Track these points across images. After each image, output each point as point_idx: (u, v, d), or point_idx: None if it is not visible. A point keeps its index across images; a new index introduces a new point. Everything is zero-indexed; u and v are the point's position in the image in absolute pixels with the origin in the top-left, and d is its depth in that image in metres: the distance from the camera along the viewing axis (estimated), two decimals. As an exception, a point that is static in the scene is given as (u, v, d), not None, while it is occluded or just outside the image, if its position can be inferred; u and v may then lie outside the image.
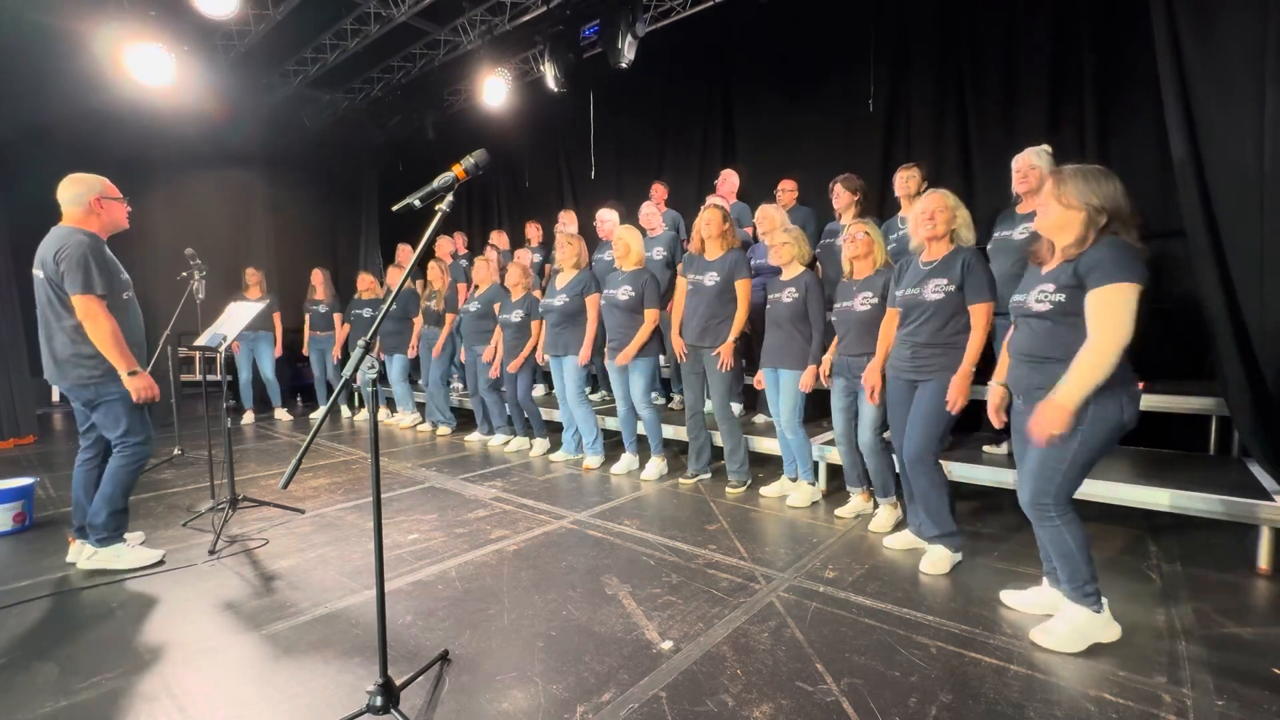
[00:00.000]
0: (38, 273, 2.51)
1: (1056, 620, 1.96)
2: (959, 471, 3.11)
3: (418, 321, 5.74)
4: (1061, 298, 1.82)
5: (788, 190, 4.60)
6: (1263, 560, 2.48)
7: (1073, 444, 1.83)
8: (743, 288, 3.49)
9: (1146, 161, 3.72)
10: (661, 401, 5.13)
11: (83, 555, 2.61)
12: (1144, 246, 1.76)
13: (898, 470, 2.80)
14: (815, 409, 3.76)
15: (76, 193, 2.52)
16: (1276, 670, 1.81)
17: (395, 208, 1.74)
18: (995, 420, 2.18)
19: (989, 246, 3.29)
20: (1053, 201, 1.84)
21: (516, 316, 4.55)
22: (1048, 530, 1.94)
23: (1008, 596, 2.22)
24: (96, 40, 5.28)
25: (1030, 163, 3.04)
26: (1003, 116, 4.36)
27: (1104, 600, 1.93)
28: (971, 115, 4.53)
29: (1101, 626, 1.92)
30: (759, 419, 4.33)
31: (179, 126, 7.13)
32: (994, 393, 2.18)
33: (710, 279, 3.53)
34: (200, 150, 7.61)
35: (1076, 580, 1.92)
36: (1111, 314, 1.70)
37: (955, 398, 2.40)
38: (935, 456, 2.51)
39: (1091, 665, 1.84)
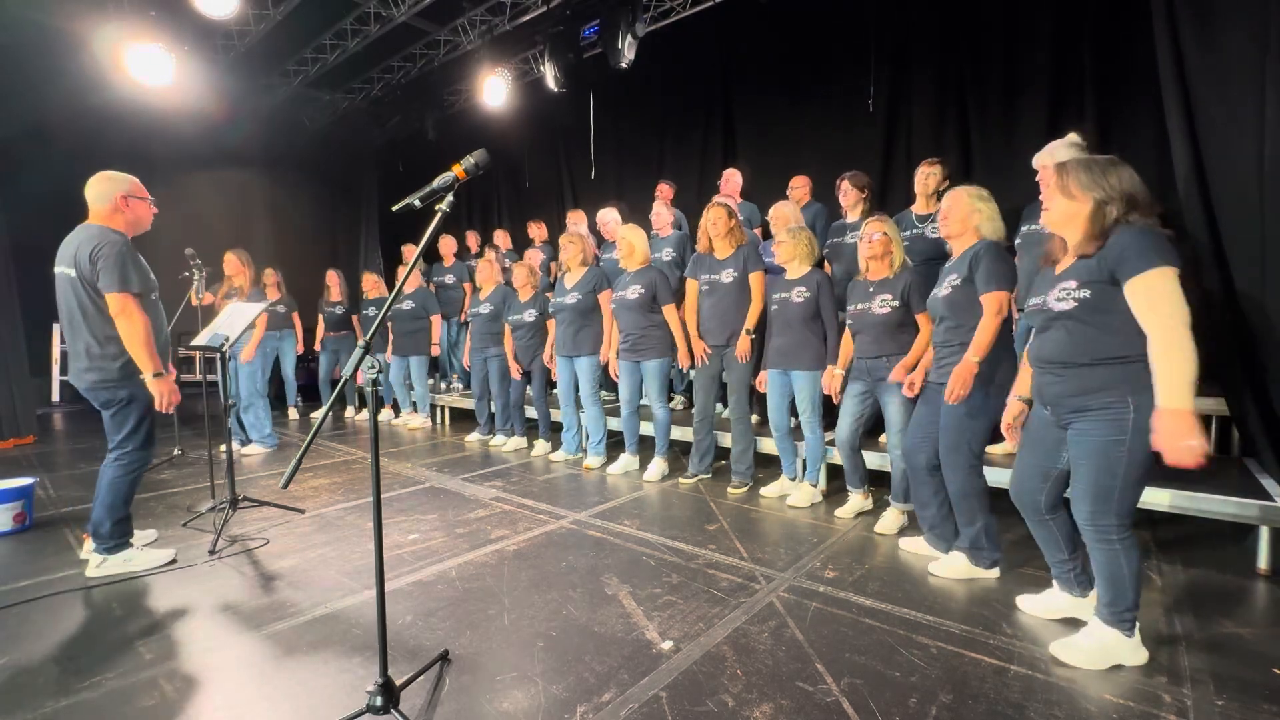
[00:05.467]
0: (67, 271, 2.49)
1: (1082, 635, 1.87)
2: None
3: (436, 320, 5.73)
4: (1087, 294, 1.70)
5: (798, 187, 4.56)
6: (1262, 561, 2.48)
7: (1123, 455, 1.70)
8: (756, 280, 3.49)
9: (1148, 162, 3.71)
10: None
11: (92, 564, 2.59)
12: (1171, 232, 1.66)
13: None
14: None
15: (102, 190, 2.54)
16: (1276, 670, 1.81)
17: (395, 208, 1.74)
18: (1009, 436, 2.12)
19: (1017, 241, 3.19)
20: (1057, 194, 1.78)
21: (530, 316, 4.54)
22: (1103, 552, 1.79)
23: (1023, 601, 2.17)
24: (96, 40, 5.28)
25: (1041, 162, 2.85)
26: (1003, 116, 4.37)
27: (1138, 625, 1.83)
28: (972, 115, 4.53)
29: (1130, 649, 1.82)
30: (753, 418, 4.32)
31: (179, 126, 7.14)
32: (1011, 407, 2.09)
33: (728, 275, 3.53)
34: (200, 150, 7.62)
35: (1118, 605, 1.80)
36: (1163, 298, 1.59)
37: (952, 387, 2.27)
38: (970, 461, 2.36)
39: (1092, 665, 1.84)
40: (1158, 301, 1.60)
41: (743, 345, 3.47)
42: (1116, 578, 1.80)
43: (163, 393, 2.53)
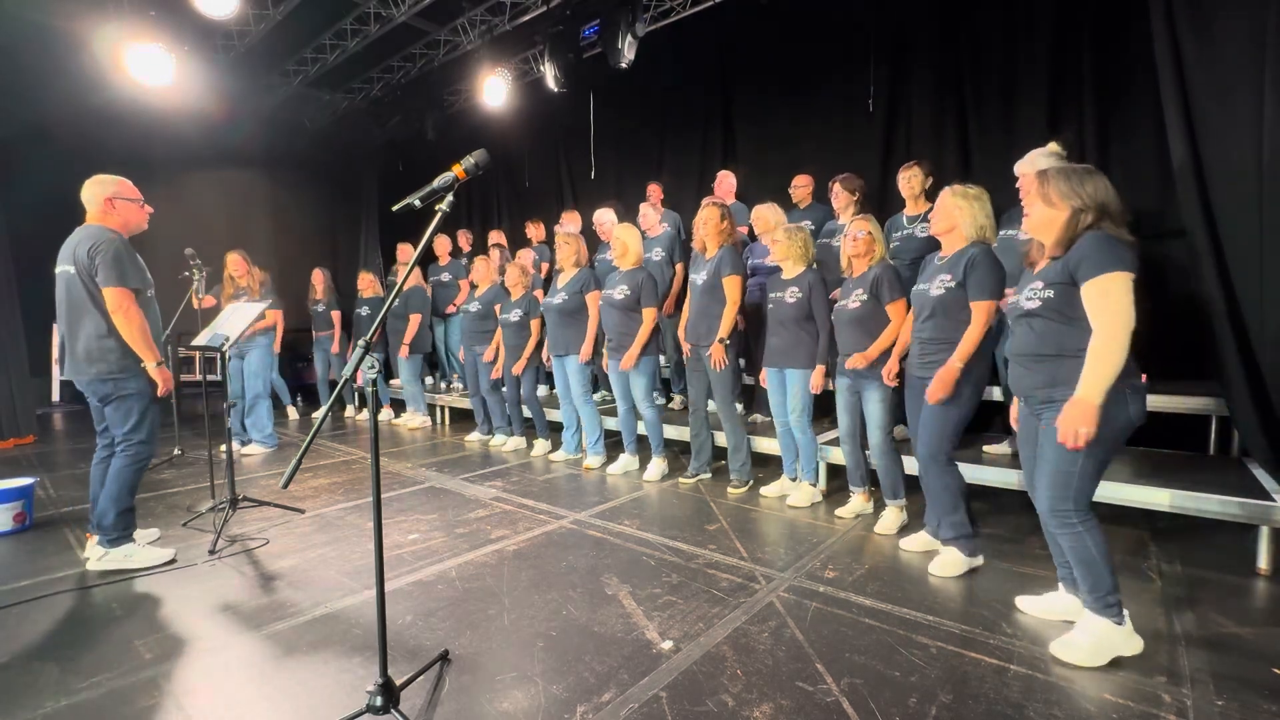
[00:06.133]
0: (67, 268, 2.56)
1: (1077, 633, 1.89)
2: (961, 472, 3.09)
3: (415, 319, 5.71)
4: (1051, 294, 1.83)
5: (801, 187, 4.53)
6: (1263, 560, 2.48)
7: (1081, 448, 1.79)
8: (730, 284, 3.44)
9: (1147, 161, 3.72)
10: (662, 402, 5.13)
11: (93, 556, 2.62)
12: (1134, 239, 1.77)
13: (913, 471, 2.78)
14: (816, 409, 3.75)
15: (92, 193, 2.63)
16: (1276, 670, 1.81)
17: (395, 208, 1.74)
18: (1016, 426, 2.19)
19: (994, 245, 3.23)
20: (1038, 201, 1.87)
21: (515, 316, 4.55)
22: (1069, 538, 1.88)
23: (1023, 602, 2.18)
24: (96, 40, 5.28)
25: (1021, 170, 2.90)
26: (1003, 117, 4.36)
27: (1125, 612, 1.87)
28: (971, 116, 4.53)
29: (1124, 639, 1.86)
30: (756, 418, 4.33)
31: (179, 126, 7.13)
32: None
33: (701, 278, 3.54)
34: (200, 150, 7.62)
35: (1099, 590, 1.86)
36: (1110, 302, 1.70)
37: (934, 389, 2.37)
38: (947, 455, 2.48)
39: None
40: (1106, 303, 1.72)
41: (716, 354, 3.45)
42: (1088, 560, 1.87)
43: (165, 379, 2.63)
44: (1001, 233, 3.23)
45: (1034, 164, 2.80)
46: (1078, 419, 1.70)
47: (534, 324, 4.53)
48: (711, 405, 3.87)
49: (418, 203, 1.67)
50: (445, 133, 7.49)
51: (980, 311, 2.37)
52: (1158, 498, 2.65)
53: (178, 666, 1.90)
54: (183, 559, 2.73)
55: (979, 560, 2.52)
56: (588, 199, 6.77)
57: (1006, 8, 4.31)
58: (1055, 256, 1.84)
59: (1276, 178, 2.65)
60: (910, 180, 3.59)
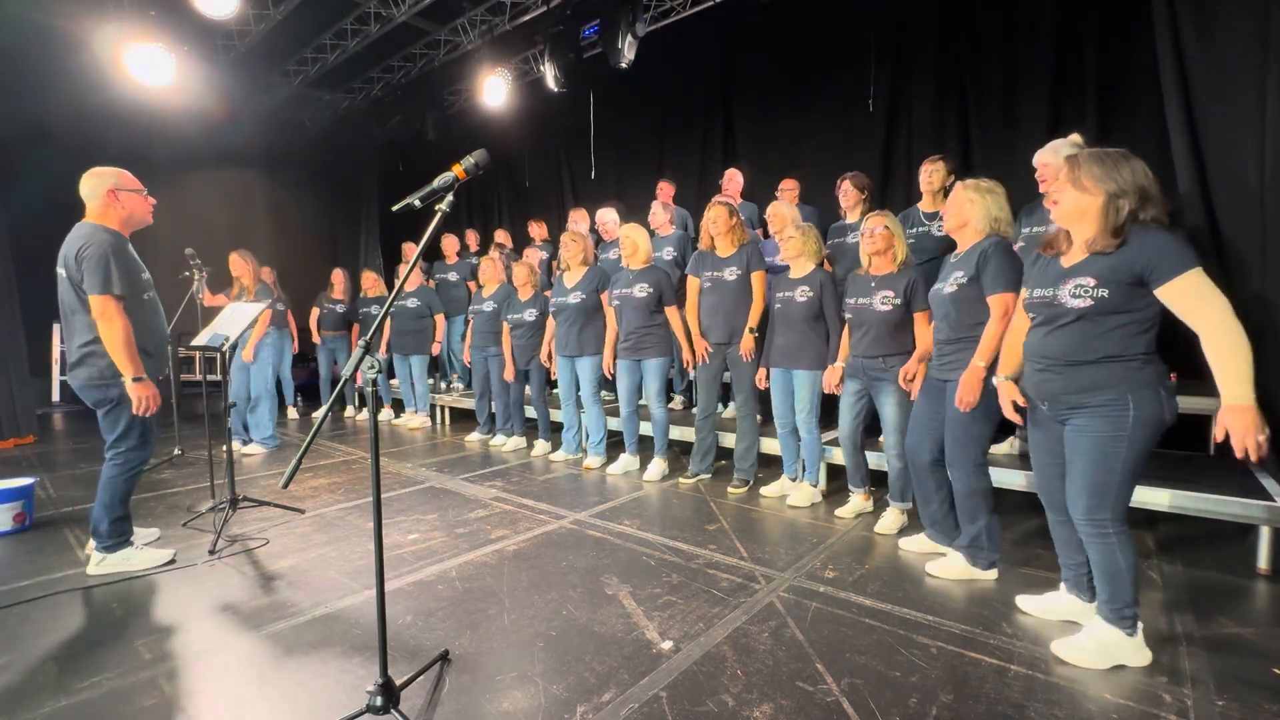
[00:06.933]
0: (60, 271, 2.50)
1: (1083, 635, 1.86)
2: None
3: (440, 319, 5.74)
4: (1106, 293, 1.67)
5: (788, 190, 4.60)
6: (1263, 560, 2.47)
7: (1121, 451, 1.72)
8: (758, 279, 3.50)
9: (1148, 160, 3.68)
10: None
11: (91, 562, 2.60)
12: (1180, 229, 1.71)
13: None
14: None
15: (93, 186, 2.53)
16: (1276, 670, 1.80)
17: (395, 208, 1.74)
18: (1015, 417, 2.06)
19: (1019, 244, 3.09)
20: (1068, 187, 1.73)
21: (530, 315, 4.53)
22: (1100, 548, 1.80)
23: (1024, 602, 2.16)
24: (96, 40, 5.28)
25: (1043, 160, 2.83)
26: (1004, 116, 4.37)
27: (1140, 625, 1.83)
28: (972, 116, 4.54)
29: (1133, 649, 1.81)
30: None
31: (179, 126, 7.14)
32: (1005, 388, 2.05)
33: (732, 273, 3.52)
34: (200, 150, 7.62)
35: (1117, 601, 1.80)
36: (1211, 295, 1.60)
37: (962, 395, 2.23)
38: (975, 460, 2.35)
39: (1092, 665, 1.84)
40: (1204, 302, 1.60)
41: (746, 344, 3.46)
42: (1113, 573, 1.80)
43: (141, 397, 2.48)
44: (1026, 230, 3.16)
45: (1056, 153, 2.71)
46: (1250, 427, 1.52)
47: (549, 323, 4.52)
48: (720, 408, 3.86)
49: (417, 203, 1.67)
50: (445, 133, 7.50)
51: (998, 305, 2.21)
52: (1158, 498, 2.64)
53: (178, 666, 1.90)
54: (183, 559, 2.73)
55: (990, 575, 2.40)
56: (588, 199, 6.77)
57: (1008, 7, 4.31)
58: (1102, 251, 1.68)
59: (1278, 177, 2.65)
60: (932, 175, 3.49)
